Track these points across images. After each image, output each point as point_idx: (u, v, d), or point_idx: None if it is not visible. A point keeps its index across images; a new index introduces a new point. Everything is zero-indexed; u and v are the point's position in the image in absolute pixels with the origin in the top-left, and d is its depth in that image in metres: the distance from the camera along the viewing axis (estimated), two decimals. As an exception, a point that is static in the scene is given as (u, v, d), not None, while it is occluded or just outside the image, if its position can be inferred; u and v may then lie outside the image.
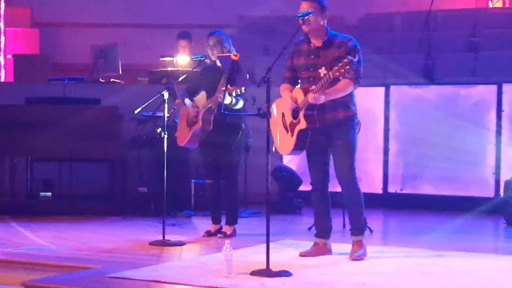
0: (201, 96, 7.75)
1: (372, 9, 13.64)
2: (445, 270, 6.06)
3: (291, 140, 6.40)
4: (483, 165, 10.05)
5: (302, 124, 6.30)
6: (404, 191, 10.46)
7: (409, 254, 6.73)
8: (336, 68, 5.97)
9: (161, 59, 11.02)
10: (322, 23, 6.40)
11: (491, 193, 9.94)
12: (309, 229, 8.16)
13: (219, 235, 7.77)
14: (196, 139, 7.81)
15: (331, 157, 6.55)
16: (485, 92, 10.19)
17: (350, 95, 6.44)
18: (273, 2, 12.86)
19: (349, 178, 6.42)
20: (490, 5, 13.98)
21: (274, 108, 6.60)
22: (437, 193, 10.26)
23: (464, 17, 13.06)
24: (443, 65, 11.41)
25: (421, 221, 9.31)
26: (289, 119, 6.45)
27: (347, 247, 6.62)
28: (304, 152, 6.55)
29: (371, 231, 7.77)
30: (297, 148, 6.41)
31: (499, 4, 14.05)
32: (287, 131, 6.45)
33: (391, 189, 10.52)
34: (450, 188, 10.19)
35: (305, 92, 6.29)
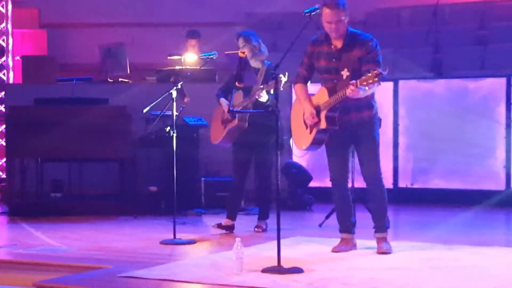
0: (238, 95, 7.76)
1: (379, 3, 13.60)
2: (455, 264, 6.04)
3: (309, 137, 6.50)
4: (493, 158, 10.03)
5: (322, 124, 6.39)
6: (415, 186, 10.45)
7: (419, 249, 6.72)
8: (365, 78, 6.01)
9: (169, 57, 11.02)
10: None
11: (501, 186, 9.92)
12: (320, 225, 8.17)
13: (257, 229, 7.90)
14: (230, 138, 7.88)
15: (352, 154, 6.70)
16: (494, 85, 10.16)
17: (372, 93, 6.50)
18: (280, -1, 12.86)
19: (376, 176, 6.54)
20: (498, -3, 13.92)
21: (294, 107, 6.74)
22: (447, 187, 10.24)
23: (472, 10, 13.02)
24: (452, 58, 11.38)
25: (431, 215, 9.29)
26: None
27: (359, 242, 6.69)
28: (316, 149, 6.63)
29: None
30: (314, 144, 6.53)
31: (506, -3, 14.00)
32: (306, 128, 6.54)
33: (401, 183, 10.51)
34: (461, 181, 10.17)
35: (330, 92, 6.33)
